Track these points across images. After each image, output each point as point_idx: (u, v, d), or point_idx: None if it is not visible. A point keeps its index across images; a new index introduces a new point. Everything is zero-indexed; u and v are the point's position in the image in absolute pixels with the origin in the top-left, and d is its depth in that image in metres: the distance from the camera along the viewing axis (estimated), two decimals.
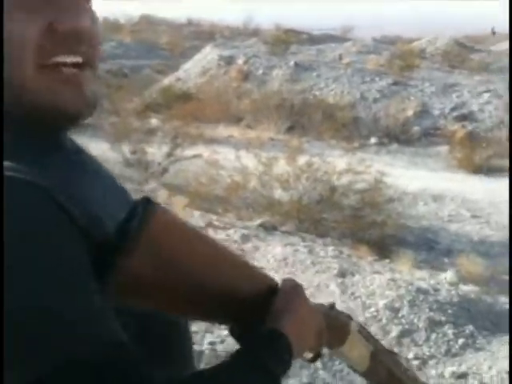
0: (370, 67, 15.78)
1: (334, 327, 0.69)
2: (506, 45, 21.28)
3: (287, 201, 6.93)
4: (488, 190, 8.50)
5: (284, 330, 0.58)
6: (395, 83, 14.32)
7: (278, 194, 7.13)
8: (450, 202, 7.93)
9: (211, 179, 7.58)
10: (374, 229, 6.42)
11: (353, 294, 3.79)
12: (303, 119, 12.37)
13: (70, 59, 0.58)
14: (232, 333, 0.65)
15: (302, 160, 7.35)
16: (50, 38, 0.56)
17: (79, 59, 0.58)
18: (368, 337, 0.71)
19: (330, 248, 5.05)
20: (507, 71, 17.14)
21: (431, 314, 3.60)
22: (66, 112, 0.58)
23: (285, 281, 0.66)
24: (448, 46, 19.85)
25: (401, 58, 16.13)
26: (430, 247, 6.57)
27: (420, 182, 8.45)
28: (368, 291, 3.82)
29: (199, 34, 25.87)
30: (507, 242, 6.72)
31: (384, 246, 6.09)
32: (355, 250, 5.45)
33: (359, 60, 16.91)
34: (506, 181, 9.27)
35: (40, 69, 0.56)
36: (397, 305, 3.64)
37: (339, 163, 7.30)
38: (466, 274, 5.17)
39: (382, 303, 3.65)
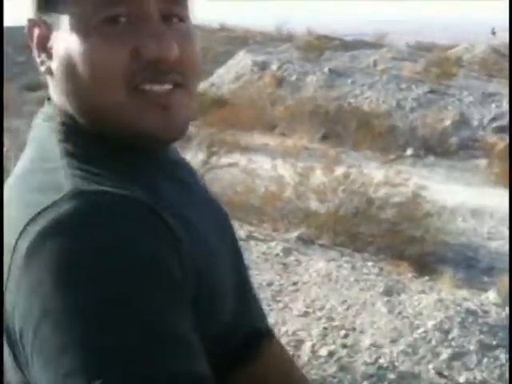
0: (405, 74, 15.60)
1: None
2: None
3: (323, 213, 6.89)
4: None
5: None
6: (432, 91, 14.12)
7: (314, 205, 7.10)
8: (489, 218, 7.78)
9: (247, 188, 7.61)
10: (412, 244, 6.34)
11: (400, 313, 3.75)
12: (338, 127, 12.31)
13: (156, 88, 0.58)
14: None
15: (338, 171, 7.31)
16: (137, 63, 0.57)
17: (168, 86, 0.58)
18: None
19: (370, 263, 5.01)
20: None
21: (482, 336, 3.54)
22: (152, 136, 0.58)
23: None
24: (485, 53, 19.48)
25: (437, 65, 15.90)
26: (470, 265, 6.45)
27: (458, 196, 8.30)
28: (415, 311, 3.77)
29: (232, 40, 25.98)
30: None
31: (423, 263, 6.00)
32: (394, 266, 5.39)
33: (394, 67, 16.73)
34: None
35: (130, 93, 0.57)
36: (446, 326, 3.59)
37: (376, 175, 7.24)
38: (507, 295, 5.06)
39: (430, 324, 3.60)
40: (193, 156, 8.82)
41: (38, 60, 0.61)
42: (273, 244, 5.13)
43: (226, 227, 0.70)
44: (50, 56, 0.60)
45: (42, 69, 0.61)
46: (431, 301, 3.94)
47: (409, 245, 6.32)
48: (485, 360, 3.38)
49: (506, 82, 15.94)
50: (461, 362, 3.34)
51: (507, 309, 4.38)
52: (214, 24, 31.90)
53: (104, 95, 0.56)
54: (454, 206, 7.86)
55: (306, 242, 5.73)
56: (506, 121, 12.80)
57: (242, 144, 9.80)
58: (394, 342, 3.49)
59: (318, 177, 7.37)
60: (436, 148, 11.49)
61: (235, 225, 6.10)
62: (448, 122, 12.38)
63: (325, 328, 3.58)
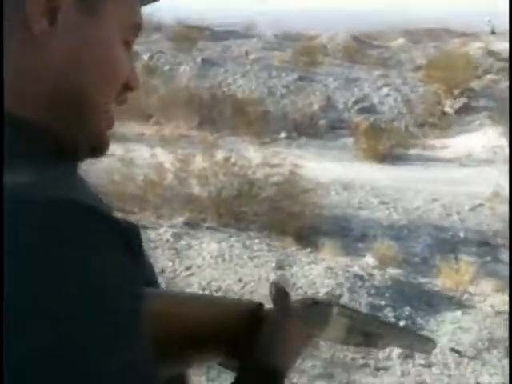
0: (275, 63, 16.11)
1: (315, 322, 0.70)
2: (402, 41, 22.66)
3: (206, 197, 6.92)
4: (393, 177, 9.04)
5: (276, 364, 0.62)
6: (301, 78, 14.75)
7: (197, 190, 7.10)
8: (359, 190, 8.34)
9: (126, 178, 7.38)
10: (292, 220, 6.60)
11: (294, 285, 3.89)
12: (213, 114, 12.38)
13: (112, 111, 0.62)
14: (222, 365, 0.68)
15: (218, 156, 7.37)
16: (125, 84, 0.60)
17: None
18: (348, 313, 0.72)
19: (257, 241, 5.13)
20: (404, 66, 18.28)
21: (370, 299, 3.78)
22: (102, 147, 0.60)
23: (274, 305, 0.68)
24: (347, 41, 20.75)
25: (305, 54, 16.64)
26: (345, 234, 6.88)
27: (330, 173, 8.80)
28: (308, 281, 3.93)
29: None
30: (414, 225, 7.21)
31: (304, 236, 6.28)
32: (279, 241, 5.57)
33: (265, 56, 17.20)
34: (409, 168, 9.93)
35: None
36: (338, 292, 3.79)
37: (254, 157, 7.42)
38: (382, 258, 5.48)
39: (323, 292, 3.78)
40: None
41: (34, 13, 0.53)
42: (161, 230, 5.04)
43: None
44: (52, 23, 0.53)
45: (36, 26, 0.53)
46: (321, 270, 4.14)
47: (289, 220, 6.57)
48: None
49: (367, 68, 17.15)
50: None
51: (388, 271, 4.74)
52: None
53: (103, 93, 0.56)
54: (327, 182, 8.31)
55: (194, 226, 5.71)
56: (368, 103, 13.79)
57: (116, 134, 9.46)
58: None
59: (199, 162, 7.37)
60: (307, 130, 12.05)
61: (115, 215, 5.90)
62: (316, 106, 13.03)
63: None
